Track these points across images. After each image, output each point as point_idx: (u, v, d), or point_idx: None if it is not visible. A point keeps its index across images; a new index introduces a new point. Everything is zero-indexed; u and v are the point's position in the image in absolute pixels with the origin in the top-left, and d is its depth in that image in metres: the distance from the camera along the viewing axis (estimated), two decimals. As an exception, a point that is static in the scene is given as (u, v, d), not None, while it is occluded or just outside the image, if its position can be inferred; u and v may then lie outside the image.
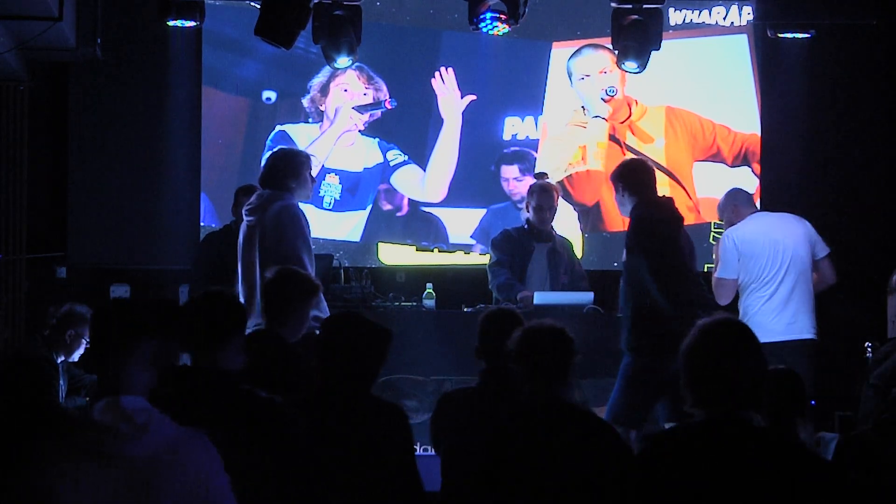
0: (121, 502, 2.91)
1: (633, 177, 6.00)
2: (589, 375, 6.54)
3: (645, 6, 7.40)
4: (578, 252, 8.21)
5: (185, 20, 7.58)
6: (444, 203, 8.87)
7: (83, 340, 6.27)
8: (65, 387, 6.37)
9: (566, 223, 8.35)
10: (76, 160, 8.66)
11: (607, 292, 7.19)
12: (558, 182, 8.41)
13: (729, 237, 6.67)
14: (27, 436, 3.02)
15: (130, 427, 2.94)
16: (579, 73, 8.90)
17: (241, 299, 5.85)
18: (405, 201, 8.87)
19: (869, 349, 6.26)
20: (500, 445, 3.76)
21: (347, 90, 8.77)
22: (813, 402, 4.25)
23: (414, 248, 8.87)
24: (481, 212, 8.88)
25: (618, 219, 8.88)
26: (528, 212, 7.11)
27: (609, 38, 7.68)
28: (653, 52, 7.49)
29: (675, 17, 8.86)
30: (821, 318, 6.88)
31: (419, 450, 4.51)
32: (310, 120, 8.79)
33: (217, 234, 7.40)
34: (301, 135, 8.74)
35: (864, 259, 8.62)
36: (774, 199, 8.70)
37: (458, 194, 8.86)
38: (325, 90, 8.76)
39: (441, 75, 8.80)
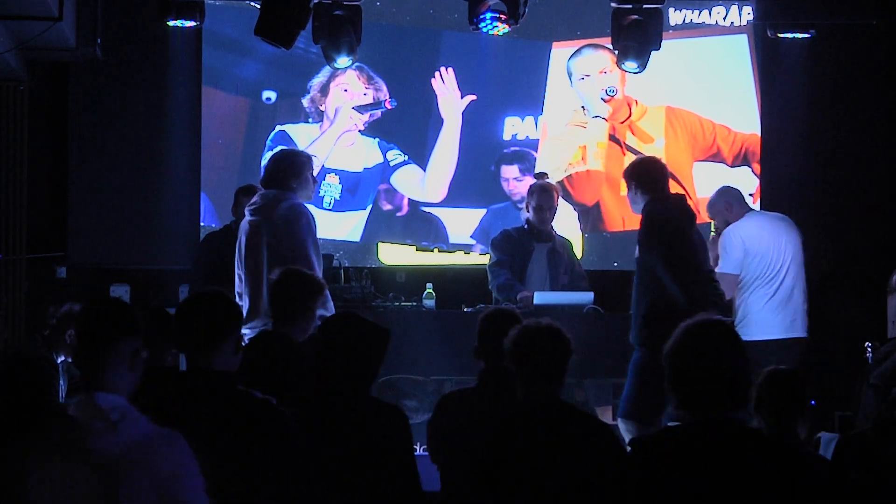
0: (89, 498, 2.92)
1: (647, 175, 6.00)
2: (589, 375, 6.56)
3: (645, 6, 7.40)
4: (578, 252, 8.21)
5: (185, 20, 7.58)
6: (444, 203, 8.87)
7: (83, 340, 6.26)
8: (65, 387, 6.37)
9: (566, 223, 8.35)
10: (76, 160, 8.66)
11: (607, 292, 7.20)
12: (558, 182, 8.41)
13: (735, 233, 6.72)
14: (2, 431, 3.04)
15: (103, 424, 2.95)
16: (579, 73, 8.90)
17: (246, 300, 5.85)
18: (405, 201, 8.87)
19: (869, 349, 6.27)
20: (499, 446, 3.76)
21: (347, 90, 8.77)
22: (813, 402, 4.24)
23: (414, 248, 8.87)
24: (481, 212, 8.88)
25: (618, 219, 8.89)
26: (528, 212, 7.11)
27: (609, 38, 7.67)
28: (653, 52, 7.49)
29: (675, 17, 8.86)
30: (821, 318, 6.90)
31: (419, 450, 4.51)
32: (310, 120, 8.79)
33: (217, 234, 7.40)
34: (301, 135, 8.74)
35: (864, 259, 8.63)
36: (774, 199, 8.71)
37: (458, 194, 8.86)
38: (325, 90, 8.76)
39: (441, 75, 8.80)
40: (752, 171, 8.90)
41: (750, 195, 8.72)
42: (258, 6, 7.12)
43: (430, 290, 7.29)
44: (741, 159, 8.91)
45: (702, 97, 8.97)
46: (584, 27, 8.88)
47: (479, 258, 8.60)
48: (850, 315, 7.87)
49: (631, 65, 7.53)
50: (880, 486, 3.89)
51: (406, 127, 8.84)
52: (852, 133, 8.97)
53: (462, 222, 8.88)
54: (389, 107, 8.75)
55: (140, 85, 8.65)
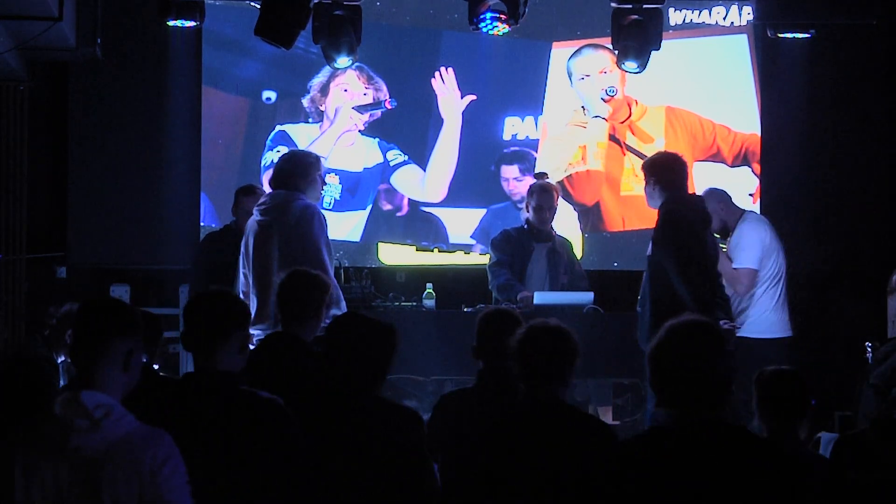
0: (70, 494, 2.93)
1: (668, 171, 5.97)
2: (589, 375, 6.55)
3: (645, 6, 7.39)
4: (578, 252, 8.21)
5: (185, 20, 7.57)
6: (444, 203, 8.87)
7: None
8: (65, 387, 6.37)
9: (566, 223, 8.35)
10: (76, 160, 8.66)
11: (607, 292, 7.20)
12: (558, 182, 8.41)
13: (753, 232, 6.79)
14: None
15: (86, 422, 2.96)
16: (579, 73, 8.90)
17: (253, 300, 5.84)
18: (405, 201, 8.87)
19: (869, 349, 6.27)
20: (498, 445, 3.76)
21: (347, 90, 8.77)
22: (813, 402, 4.24)
23: (414, 248, 8.87)
24: (481, 212, 8.88)
25: (618, 219, 8.89)
26: (528, 212, 7.11)
27: (609, 38, 7.67)
28: (653, 52, 7.48)
29: (675, 17, 8.86)
30: (821, 318, 6.92)
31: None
32: (310, 120, 8.79)
33: (217, 234, 7.40)
34: (301, 135, 8.74)
35: (864, 259, 8.64)
36: (774, 199, 8.71)
37: (458, 194, 8.86)
38: (325, 90, 8.76)
39: (441, 75, 8.80)
40: (752, 171, 8.90)
41: (750, 195, 8.75)
42: (258, 6, 7.12)
43: (430, 290, 7.29)
44: (741, 159, 8.91)
45: (702, 97, 8.97)
46: (584, 27, 8.88)
47: (479, 258, 8.60)
48: (850, 315, 7.88)
49: (631, 65, 7.52)
50: (879, 486, 3.88)
51: (406, 127, 8.84)
52: (852, 133, 8.98)
53: (462, 222, 8.88)
54: (389, 107, 8.76)
55: (140, 85, 8.66)
